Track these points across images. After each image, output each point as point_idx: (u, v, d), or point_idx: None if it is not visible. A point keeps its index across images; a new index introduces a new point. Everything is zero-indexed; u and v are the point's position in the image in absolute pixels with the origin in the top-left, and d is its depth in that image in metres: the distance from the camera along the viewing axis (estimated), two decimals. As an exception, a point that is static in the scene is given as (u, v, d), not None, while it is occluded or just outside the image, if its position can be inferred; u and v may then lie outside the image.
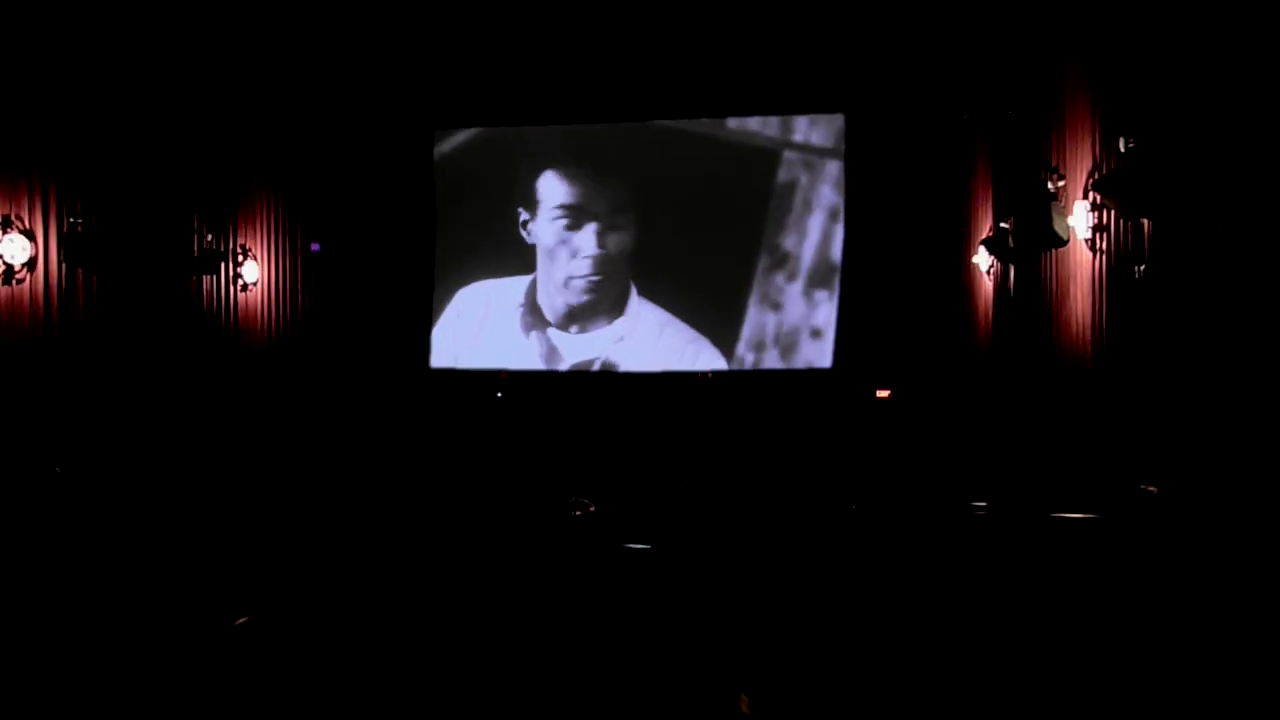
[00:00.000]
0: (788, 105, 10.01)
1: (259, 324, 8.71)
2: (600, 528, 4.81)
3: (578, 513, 4.89)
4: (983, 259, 8.03)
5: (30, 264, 5.98)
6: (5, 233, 5.85)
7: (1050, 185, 6.10)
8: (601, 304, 10.27)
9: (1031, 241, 5.91)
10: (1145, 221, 5.02)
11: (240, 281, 8.41)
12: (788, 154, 10.08)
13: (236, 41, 8.43)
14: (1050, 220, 5.57)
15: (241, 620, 3.29)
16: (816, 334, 9.89)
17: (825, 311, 9.89)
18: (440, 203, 10.56)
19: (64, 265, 6.27)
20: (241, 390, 8.27)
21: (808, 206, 10.00)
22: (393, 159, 10.46)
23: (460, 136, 10.59)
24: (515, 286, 10.46)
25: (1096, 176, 5.63)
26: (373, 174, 10.38)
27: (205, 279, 7.94)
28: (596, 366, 10.23)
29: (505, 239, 10.44)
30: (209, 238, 7.98)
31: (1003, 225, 6.61)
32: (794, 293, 9.98)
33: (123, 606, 3.49)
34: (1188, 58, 4.61)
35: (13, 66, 5.95)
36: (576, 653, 3.15)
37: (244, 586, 3.76)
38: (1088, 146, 5.86)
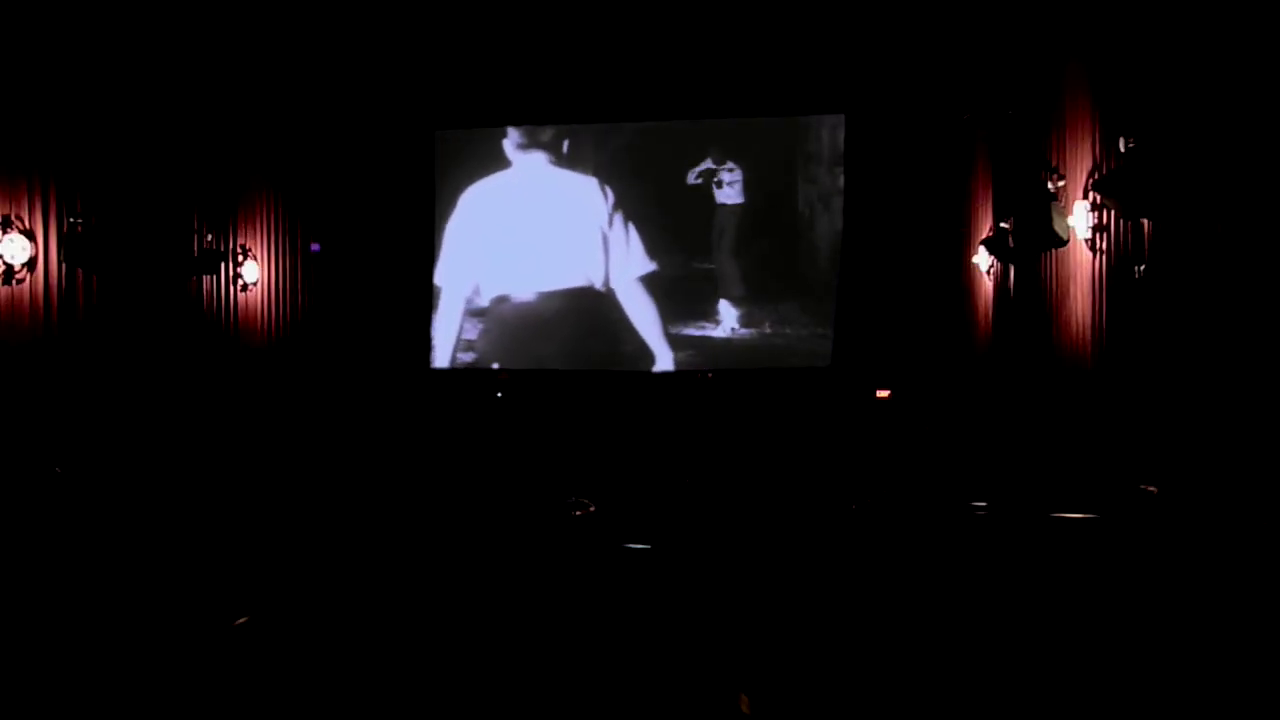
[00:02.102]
0: (788, 106, 10.01)
1: (259, 324, 8.71)
2: (600, 528, 4.82)
3: (578, 513, 4.89)
4: (983, 259, 8.03)
5: (30, 264, 5.98)
6: (5, 233, 5.85)
7: (1050, 185, 6.10)
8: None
9: (1031, 241, 5.92)
10: (1145, 221, 5.02)
11: (240, 281, 8.41)
12: (787, 153, 10.08)
13: (236, 41, 8.43)
14: (1050, 220, 5.57)
15: (241, 620, 3.29)
16: (816, 333, 9.88)
17: (825, 311, 9.88)
18: (440, 202, 10.57)
19: (64, 265, 6.27)
20: (241, 390, 8.27)
21: (807, 205, 10.00)
22: (393, 159, 10.46)
23: (461, 136, 10.59)
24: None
25: (1096, 176, 5.63)
26: (373, 174, 10.38)
27: (205, 279, 7.93)
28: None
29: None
30: (209, 238, 7.98)
31: (1003, 225, 6.61)
32: (793, 292, 9.98)
33: (123, 606, 3.50)
34: (1188, 58, 4.61)
35: (13, 66, 5.95)
36: (576, 653, 3.16)
37: (244, 586, 3.76)
38: (1088, 146, 5.86)
